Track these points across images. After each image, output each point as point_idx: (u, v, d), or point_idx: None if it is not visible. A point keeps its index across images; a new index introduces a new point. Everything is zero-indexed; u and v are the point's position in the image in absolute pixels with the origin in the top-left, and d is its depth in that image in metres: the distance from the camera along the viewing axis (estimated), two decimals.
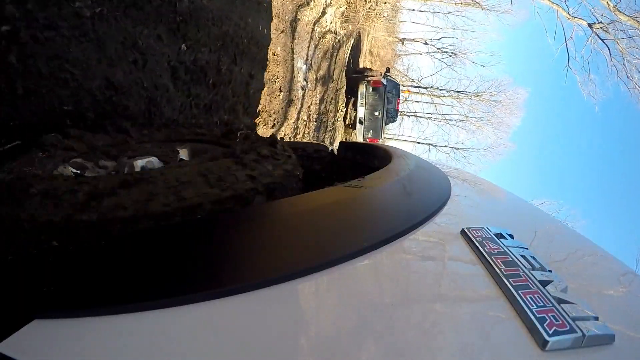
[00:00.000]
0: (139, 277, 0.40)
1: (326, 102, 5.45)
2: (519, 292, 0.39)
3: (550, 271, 0.44)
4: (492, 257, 0.46)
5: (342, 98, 6.83)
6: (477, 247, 0.48)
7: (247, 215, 0.61)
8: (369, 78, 6.75)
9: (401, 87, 8.03)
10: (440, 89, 14.90)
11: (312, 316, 0.37)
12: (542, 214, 0.82)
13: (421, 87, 14.87)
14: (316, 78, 4.62)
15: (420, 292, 0.42)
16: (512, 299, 0.39)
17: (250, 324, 0.33)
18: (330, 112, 6.00)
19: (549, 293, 0.39)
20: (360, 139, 7.28)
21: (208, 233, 0.52)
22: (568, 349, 0.33)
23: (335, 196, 0.67)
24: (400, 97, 7.74)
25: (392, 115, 7.32)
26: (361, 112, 6.88)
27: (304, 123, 4.27)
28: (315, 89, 4.65)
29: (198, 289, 0.36)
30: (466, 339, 0.35)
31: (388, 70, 8.14)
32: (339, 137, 6.91)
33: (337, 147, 1.55)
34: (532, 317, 0.35)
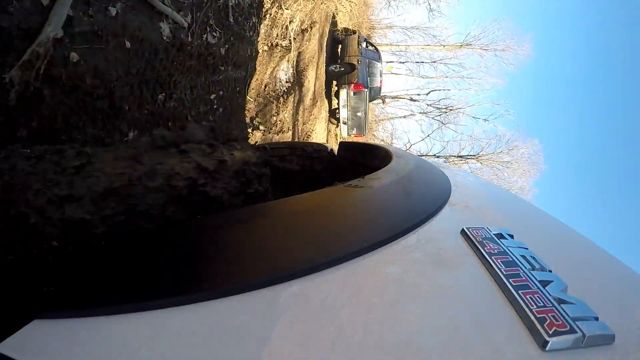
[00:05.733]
0: (138, 277, 0.40)
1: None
2: (519, 292, 0.39)
3: (550, 271, 0.44)
4: (492, 257, 0.46)
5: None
6: (477, 247, 0.48)
7: (246, 215, 0.61)
8: (348, 83, 6.97)
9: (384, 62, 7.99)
10: (437, 157, 11.81)
11: (312, 315, 0.37)
12: (544, 214, 0.82)
13: None
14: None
15: (420, 292, 0.42)
16: (512, 299, 0.39)
17: (250, 323, 0.33)
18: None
19: (549, 293, 0.39)
20: (345, 136, 7.87)
21: (208, 233, 0.52)
22: (568, 349, 0.33)
23: (335, 196, 0.67)
24: (383, 76, 7.87)
25: (375, 94, 7.73)
26: (344, 113, 7.33)
27: None
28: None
29: (198, 289, 0.36)
30: (466, 338, 0.35)
31: (366, 39, 7.92)
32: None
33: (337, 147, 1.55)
34: (532, 317, 0.35)
